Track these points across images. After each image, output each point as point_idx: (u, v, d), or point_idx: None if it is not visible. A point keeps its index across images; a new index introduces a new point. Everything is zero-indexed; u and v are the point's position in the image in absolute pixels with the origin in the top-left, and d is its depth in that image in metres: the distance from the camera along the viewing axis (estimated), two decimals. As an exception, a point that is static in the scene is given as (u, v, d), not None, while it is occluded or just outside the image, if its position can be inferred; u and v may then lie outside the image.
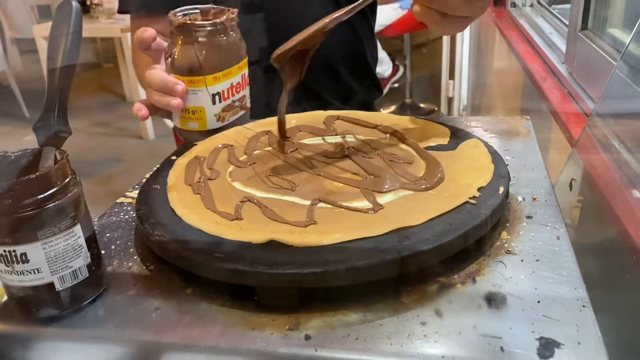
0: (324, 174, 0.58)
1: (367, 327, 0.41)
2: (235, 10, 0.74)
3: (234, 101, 0.75)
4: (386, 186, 0.54)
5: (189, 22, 0.70)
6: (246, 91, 0.78)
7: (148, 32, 0.70)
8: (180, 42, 0.70)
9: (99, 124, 3.55)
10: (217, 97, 0.72)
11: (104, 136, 3.42)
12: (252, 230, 0.48)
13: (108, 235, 0.56)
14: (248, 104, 0.79)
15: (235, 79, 0.74)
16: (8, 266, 0.42)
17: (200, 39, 0.70)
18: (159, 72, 0.70)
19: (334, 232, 0.47)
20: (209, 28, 0.70)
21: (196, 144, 0.69)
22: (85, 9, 3.42)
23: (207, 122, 0.73)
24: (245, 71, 0.77)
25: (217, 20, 0.71)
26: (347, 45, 0.97)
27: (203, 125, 0.73)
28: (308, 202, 0.52)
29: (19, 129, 3.48)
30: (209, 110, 0.72)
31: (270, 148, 0.67)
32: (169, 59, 0.71)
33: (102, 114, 3.70)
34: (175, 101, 0.69)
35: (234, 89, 0.74)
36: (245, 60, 0.76)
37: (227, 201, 0.54)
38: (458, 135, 0.66)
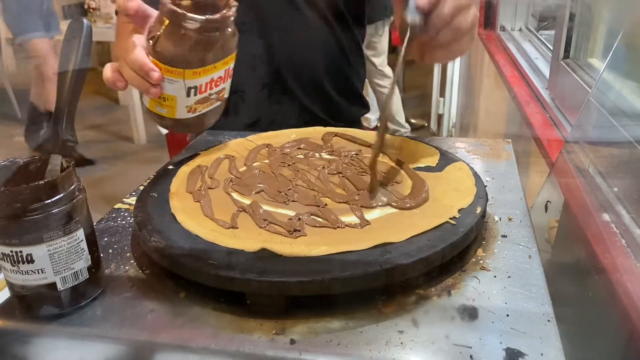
0: (317, 188, 0.61)
1: (348, 333, 0.44)
2: (236, 4, 0.66)
3: (210, 94, 0.70)
4: (374, 203, 0.57)
5: (179, 11, 0.62)
6: (227, 84, 0.72)
7: (133, 1, 0.64)
8: (166, 28, 0.63)
9: (92, 126, 3.56)
10: (192, 91, 0.67)
11: (96, 139, 3.43)
12: (246, 239, 0.51)
13: (106, 239, 0.59)
14: (226, 95, 0.73)
15: (217, 74, 0.68)
16: (14, 266, 0.45)
17: (188, 33, 0.62)
18: (138, 52, 0.64)
19: (321, 244, 0.50)
20: (199, 24, 0.62)
21: (199, 154, 0.72)
22: (83, 12, 3.45)
23: (177, 112, 0.68)
24: (231, 65, 0.70)
25: (211, 17, 0.63)
26: (334, 65, 1.01)
27: (172, 114, 0.69)
28: (300, 215, 0.55)
29: (10, 129, 3.48)
30: (181, 101, 0.68)
31: (268, 161, 0.70)
32: (151, 41, 0.64)
33: (95, 116, 3.71)
34: (154, 90, 0.65)
35: (213, 83, 0.69)
36: (234, 55, 0.70)
37: (225, 210, 0.57)
38: (446, 158, 0.69)
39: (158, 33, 0.63)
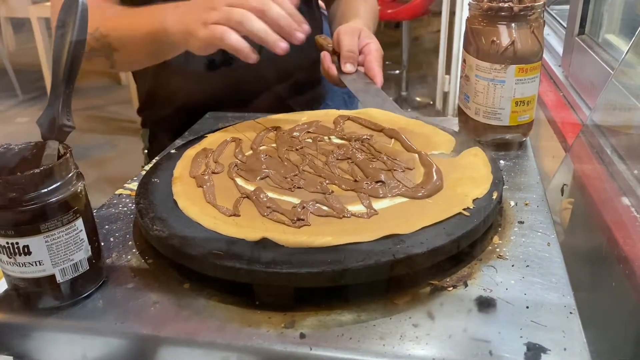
0: (324, 175, 0.59)
1: (360, 327, 0.42)
2: None
3: None
4: (382, 192, 0.55)
5: (528, 4, 0.64)
6: None
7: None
8: (520, 27, 0.64)
9: (94, 107, 3.53)
10: None
11: (97, 119, 3.40)
12: (247, 227, 0.49)
13: (107, 227, 0.57)
14: None
15: None
16: (10, 258, 0.43)
17: (540, 22, 0.65)
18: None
19: (325, 234, 0.47)
20: (539, 10, 0.65)
21: (206, 136, 0.70)
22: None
23: (533, 112, 0.68)
24: None
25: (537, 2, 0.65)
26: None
27: (532, 116, 0.68)
28: (305, 204, 0.53)
29: (11, 109, 3.45)
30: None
31: (275, 144, 0.67)
32: (497, 50, 0.65)
33: (97, 96, 3.67)
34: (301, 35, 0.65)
35: None
36: None
37: (228, 196, 0.55)
38: (462, 143, 0.65)
39: (509, 39, 0.64)
